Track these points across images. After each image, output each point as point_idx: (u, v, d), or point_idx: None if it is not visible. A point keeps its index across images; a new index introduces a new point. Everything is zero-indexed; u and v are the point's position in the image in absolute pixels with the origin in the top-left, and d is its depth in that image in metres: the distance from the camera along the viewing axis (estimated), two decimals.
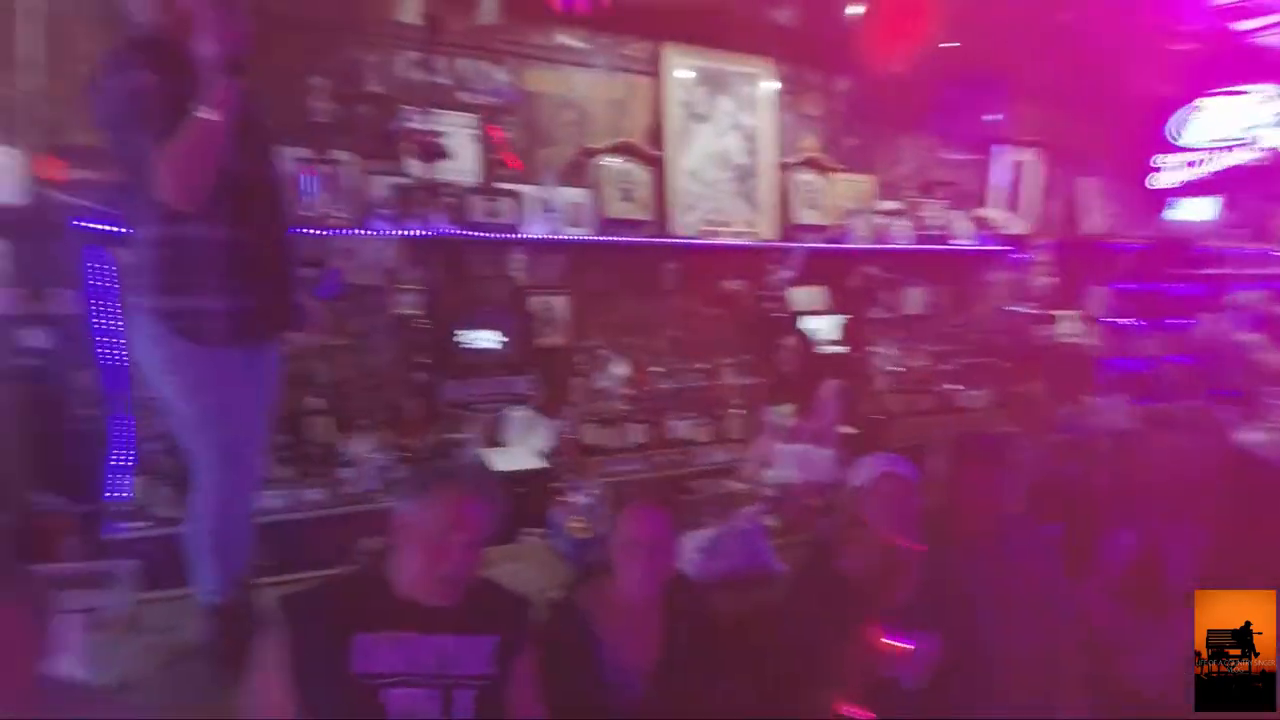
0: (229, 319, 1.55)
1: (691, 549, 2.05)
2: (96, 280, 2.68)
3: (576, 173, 3.50)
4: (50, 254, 2.68)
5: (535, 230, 3.28)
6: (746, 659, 1.69)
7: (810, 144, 4.05)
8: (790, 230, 3.94)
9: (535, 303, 3.42)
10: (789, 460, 2.66)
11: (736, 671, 1.61)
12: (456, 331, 3.23)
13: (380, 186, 3.04)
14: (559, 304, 3.46)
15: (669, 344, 3.78)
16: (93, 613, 1.73)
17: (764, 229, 3.86)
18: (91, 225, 2.62)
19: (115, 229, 2.61)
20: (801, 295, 3.98)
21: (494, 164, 3.30)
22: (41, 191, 2.64)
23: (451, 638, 1.33)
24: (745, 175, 3.81)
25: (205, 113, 1.41)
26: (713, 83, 3.73)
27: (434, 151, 2.85)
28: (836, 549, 1.76)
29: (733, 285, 3.88)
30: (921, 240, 4.20)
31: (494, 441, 3.28)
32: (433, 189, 3.07)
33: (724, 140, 3.76)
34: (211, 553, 1.65)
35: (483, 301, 3.31)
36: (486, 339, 3.28)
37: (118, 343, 2.75)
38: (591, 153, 3.51)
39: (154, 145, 1.40)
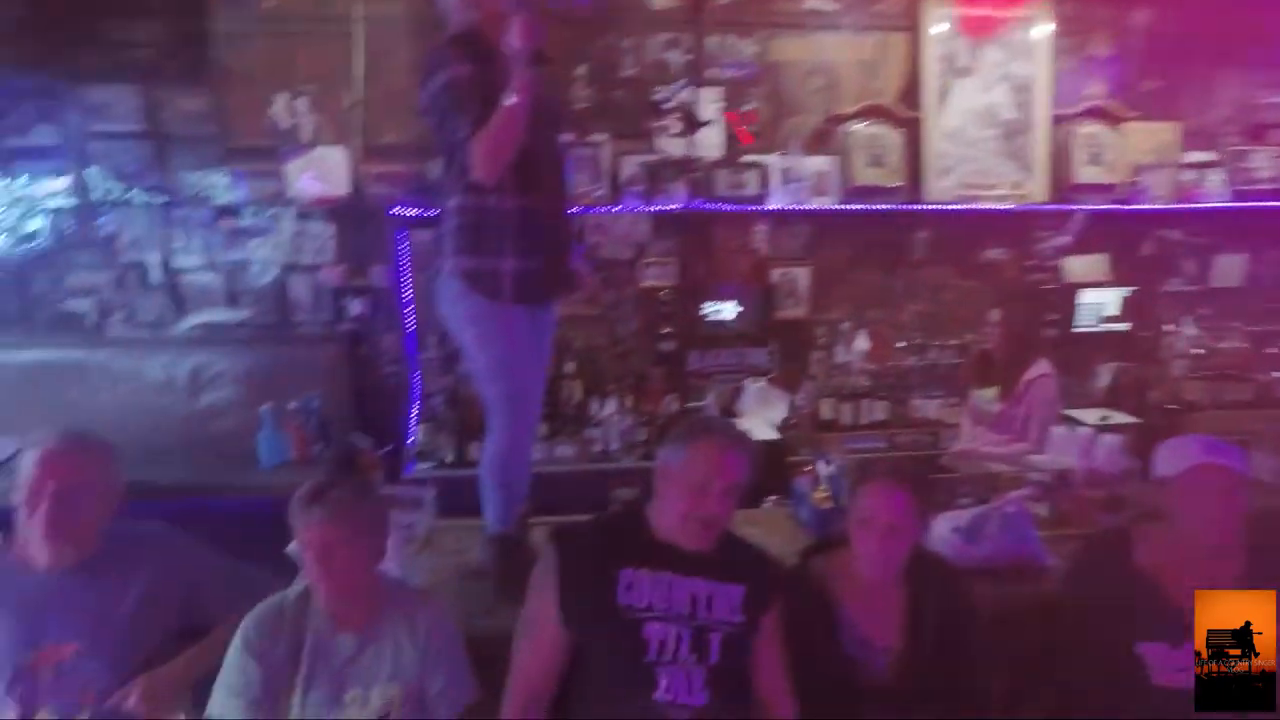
0: (519, 279, 1.75)
1: (947, 530, 1.92)
2: (402, 258, 3.14)
3: (822, 141, 3.39)
4: (368, 236, 3.19)
5: (779, 201, 3.25)
6: (1008, 652, 1.56)
7: (1096, 91, 3.52)
8: (1067, 191, 3.47)
9: (777, 275, 3.39)
10: (1065, 445, 2.38)
11: (995, 664, 1.50)
12: (700, 303, 3.31)
13: (631, 165, 3.20)
14: (801, 275, 3.40)
15: (917, 318, 3.55)
16: (406, 529, 2.06)
17: (1034, 191, 3.44)
18: (401, 211, 3.07)
19: (419, 214, 3.04)
20: (1078, 264, 3.51)
21: (737, 137, 3.31)
22: (362, 184, 3.14)
23: (704, 582, 1.38)
24: (1014, 132, 3.42)
25: (512, 99, 1.58)
26: (977, 32, 3.39)
27: (694, 123, 2.87)
28: (1132, 545, 1.55)
29: (993, 254, 3.53)
30: (1241, 197, 3.48)
31: (730, 411, 3.33)
32: (680, 165, 3.16)
33: (990, 95, 3.40)
34: (498, 488, 1.88)
35: (726, 274, 3.35)
36: (728, 311, 3.32)
37: (413, 310, 3.21)
38: (839, 119, 3.38)
39: (468, 128, 1.60)
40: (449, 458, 3.11)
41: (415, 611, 1.44)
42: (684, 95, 3.17)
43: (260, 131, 3.09)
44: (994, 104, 3.41)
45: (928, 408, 3.34)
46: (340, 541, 1.30)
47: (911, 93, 3.40)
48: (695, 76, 3.22)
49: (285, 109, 3.08)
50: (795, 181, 3.25)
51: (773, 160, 3.26)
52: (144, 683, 1.41)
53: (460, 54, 1.64)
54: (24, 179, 3.14)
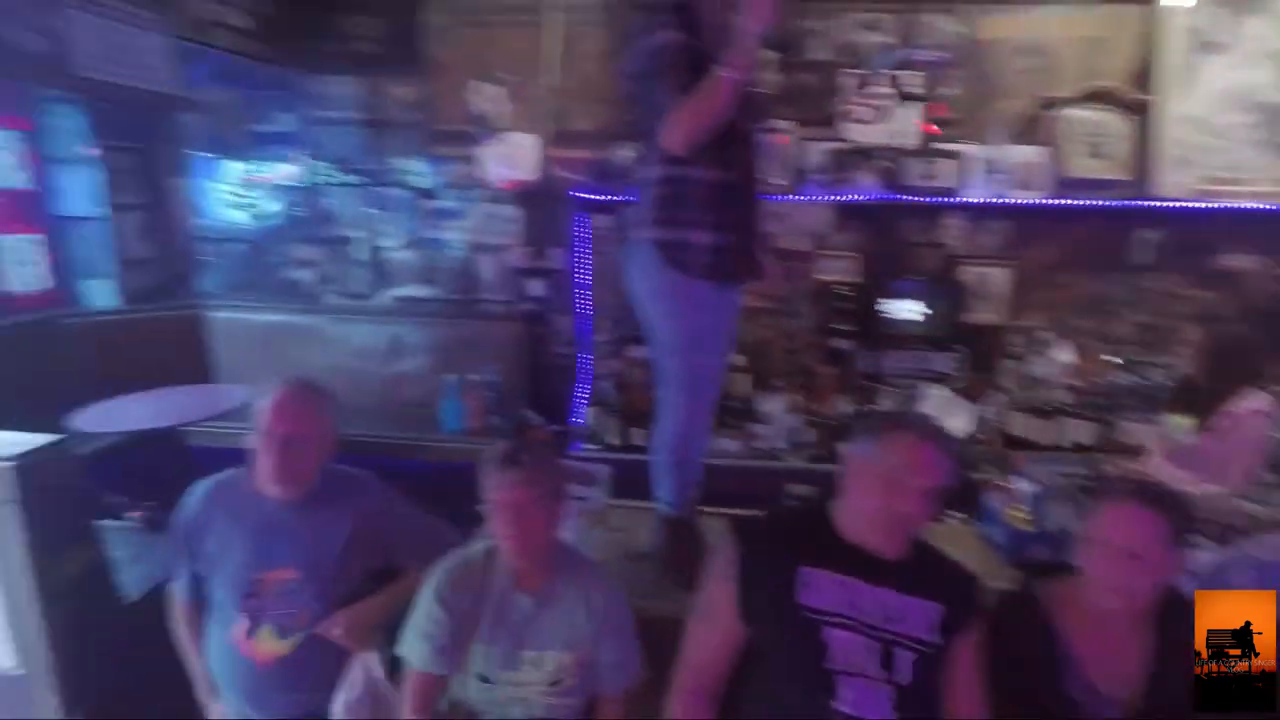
0: (710, 254, 1.71)
1: (1184, 570, 1.66)
2: (582, 241, 3.22)
3: (1032, 128, 3.07)
4: (552, 219, 3.31)
5: (976, 194, 2.98)
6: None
7: None
8: None
9: (969, 274, 3.12)
10: None
11: None
12: (880, 300, 3.13)
13: (815, 152, 3.07)
14: (997, 276, 3.11)
15: (1134, 331, 3.13)
16: (581, 502, 2.11)
17: None
18: (584, 195, 3.16)
19: (601, 198, 3.11)
20: None
21: (933, 124, 3.07)
22: (549, 169, 3.27)
23: (895, 593, 1.28)
24: (1277, 118, 2.91)
25: (727, 72, 1.55)
26: (1235, 2, 2.92)
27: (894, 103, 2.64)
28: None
29: (1238, 260, 3.03)
30: None
31: None
32: (867, 152, 3.00)
33: (1248, 74, 2.92)
34: (672, 469, 1.87)
35: (911, 270, 3.14)
36: (911, 310, 3.11)
37: (589, 293, 3.29)
38: (1052, 103, 3.05)
39: (673, 94, 1.58)
40: (614, 441, 3.17)
41: (590, 582, 1.45)
42: (880, 77, 2.99)
43: (461, 118, 3.30)
44: (1253, 85, 2.92)
45: (1142, 434, 2.94)
46: (530, 502, 1.34)
47: (1144, 73, 3.00)
48: (891, 57, 3.02)
49: (483, 96, 3.26)
50: (998, 172, 2.97)
51: (973, 149, 3.00)
52: (346, 615, 1.53)
53: (674, 20, 1.63)
54: (263, 163, 3.57)
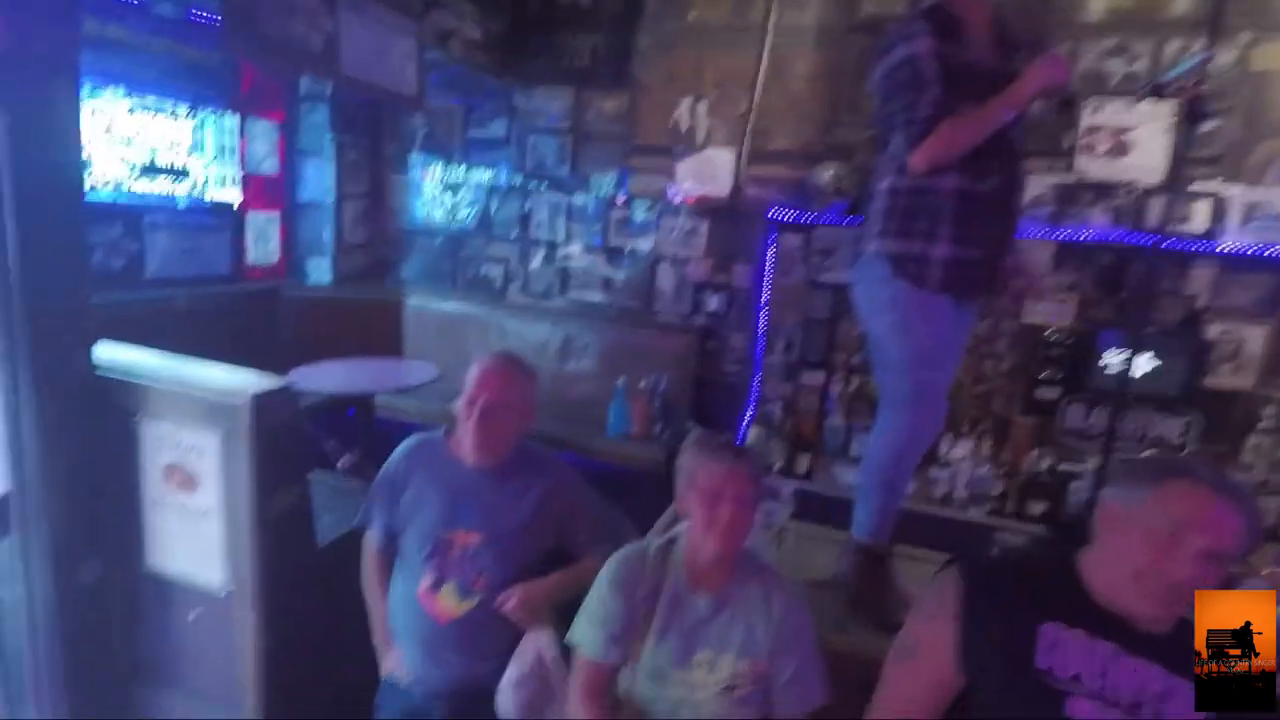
0: (950, 267, 1.60)
1: None
2: (766, 259, 3.16)
3: None
4: (738, 236, 3.28)
5: (1236, 241, 2.60)
6: None
7: None
8: None
9: (1215, 330, 2.72)
10: None
11: None
12: (1099, 350, 2.79)
13: (1038, 185, 2.82)
14: (1252, 336, 2.68)
15: None
16: (764, 516, 2.02)
17: None
18: (775, 214, 3.10)
19: (793, 218, 3.04)
20: None
21: (1187, 161, 2.72)
22: (742, 186, 3.24)
23: (1160, 670, 1.06)
24: None
25: (1000, 109, 1.51)
26: None
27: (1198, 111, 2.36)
28: None
29: None
30: None
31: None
32: (1103, 188, 2.71)
33: None
34: (878, 490, 1.74)
35: (1141, 320, 2.78)
36: (1137, 364, 2.75)
37: (767, 313, 3.21)
38: None
39: (925, 107, 1.51)
40: (776, 464, 3.05)
41: (772, 590, 1.36)
42: (1128, 107, 2.70)
43: (661, 133, 3.36)
44: None
45: None
46: (743, 498, 1.28)
47: None
48: (1145, 85, 2.72)
49: (687, 112, 3.31)
50: (1265, 218, 2.58)
51: (1234, 190, 2.63)
52: (521, 589, 1.53)
53: (929, 29, 1.56)
54: (474, 166, 3.83)
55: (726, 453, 1.32)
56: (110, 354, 1.78)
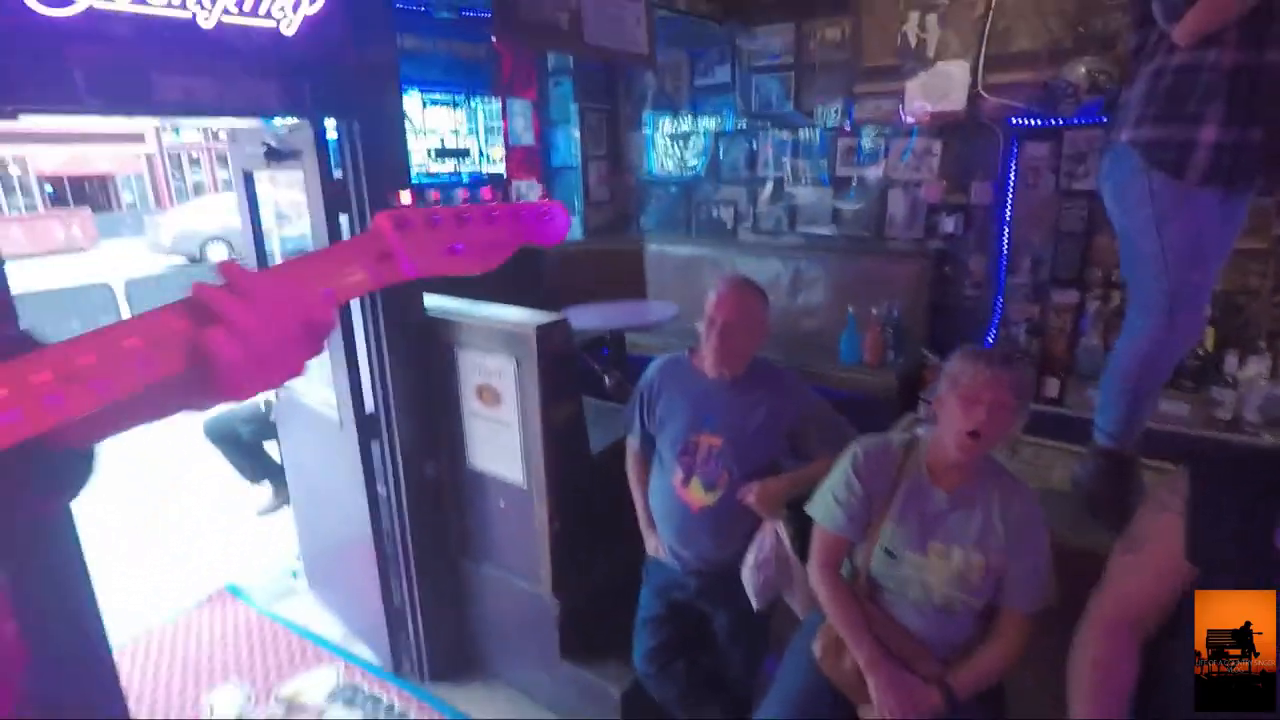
0: (1218, 154, 1.46)
1: None
2: (1009, 173, 2.98)
3: None
4: (975, 152, 3.12)
5: None
6: None
7: None
8: None
9: None
10: None
11: None
12: None
13: None
14: None
15: None
16: None
17: None
18: (1020, 123, 2.90)
19: (1037, 124, 2.83)
20: None
21: None
22: (977, 98, 3.06)
23: None
24: None
25: None
26: None
27: None
28: None
29: None
30: None
31: None
32: None
33: None
34: (1124, 396, 1.68)
35: None
36: None
37: (1010, 230, 3.03)
38: None
39: None
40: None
41: (1010, 493, 1.43)
42: None
43: (890, 52, 3.27)
44: None
45: None
46: (1002, 404, 1.35)
47: None
48: None
49: (915, 26, 3.18)
50: None
51: None
52: (760, 485, 1.75)
53: None
54: (702, 114, 4.02)
55: (995, 359, 1.38)
56: (432, 301, 2.31)
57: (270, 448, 3.41)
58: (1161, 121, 1.49)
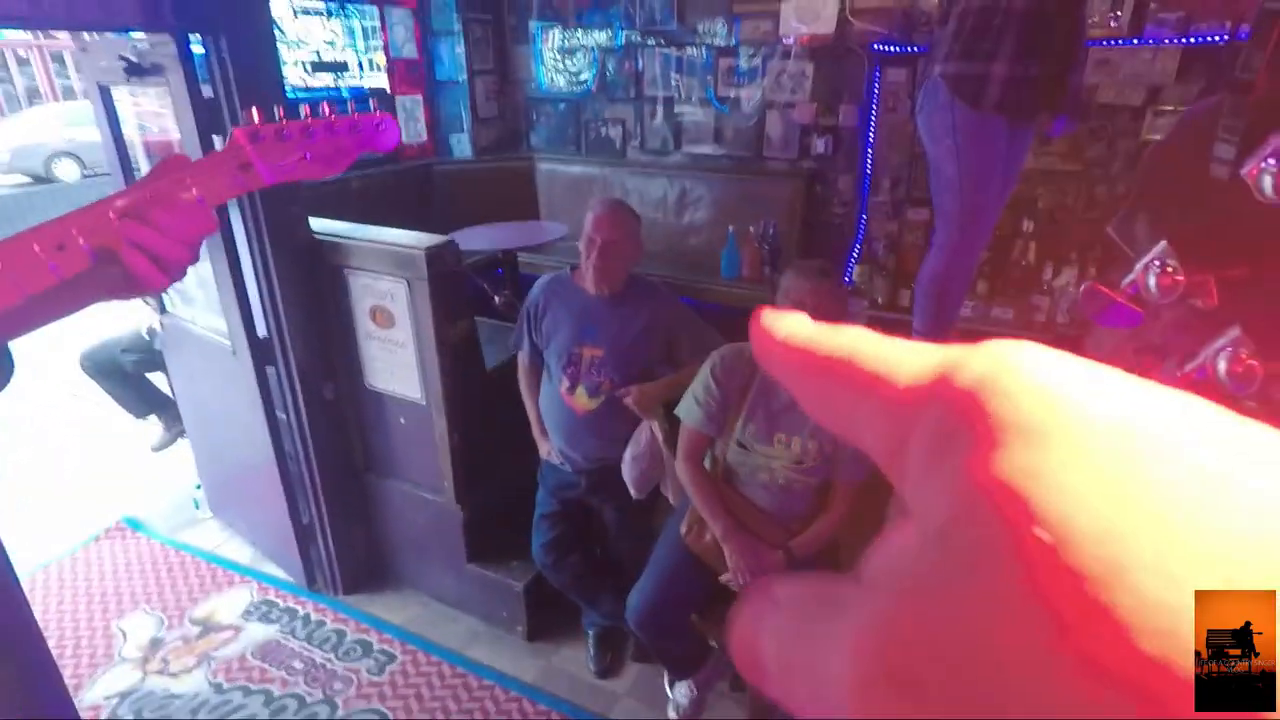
0: (1006, 86, 1.71)
1: None
2: (872, 97, 3.20)
3: None
4: (844, 74, 3.31)
5: None
6: None
7: None
8: None
9: None
10: None
11: None
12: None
13: None
14: None
15: None
16: None
17: None
18: (882, 49, 3.10)
19: (896, 50, 3.03)
20: None
21: None
22: (846, 23, 3.23)
23: None
24: None
25: None
26: None
27: None
28: None
29: None
30: None
31: None
32: None
33: None
34: (929, 297, 1.98)
35: None
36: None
37: (873, 152, 3.28)
38: None
39: None
40: (880, 299, 3.25)
41: None
42: None
43: None
44: None
45: None
46: (824, 309, 1.57)
47: None
48: None
49: None
50: None
51: None
52: (638, 388, 1.96)
53: None
54: (587, 31, 4.00)
55: (814, 272, 1.61)
56: (319, 225, 2.32)
57: (155, 379, 3.33)
58: (965, 57, 1.73)
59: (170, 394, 3.15)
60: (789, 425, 1.69)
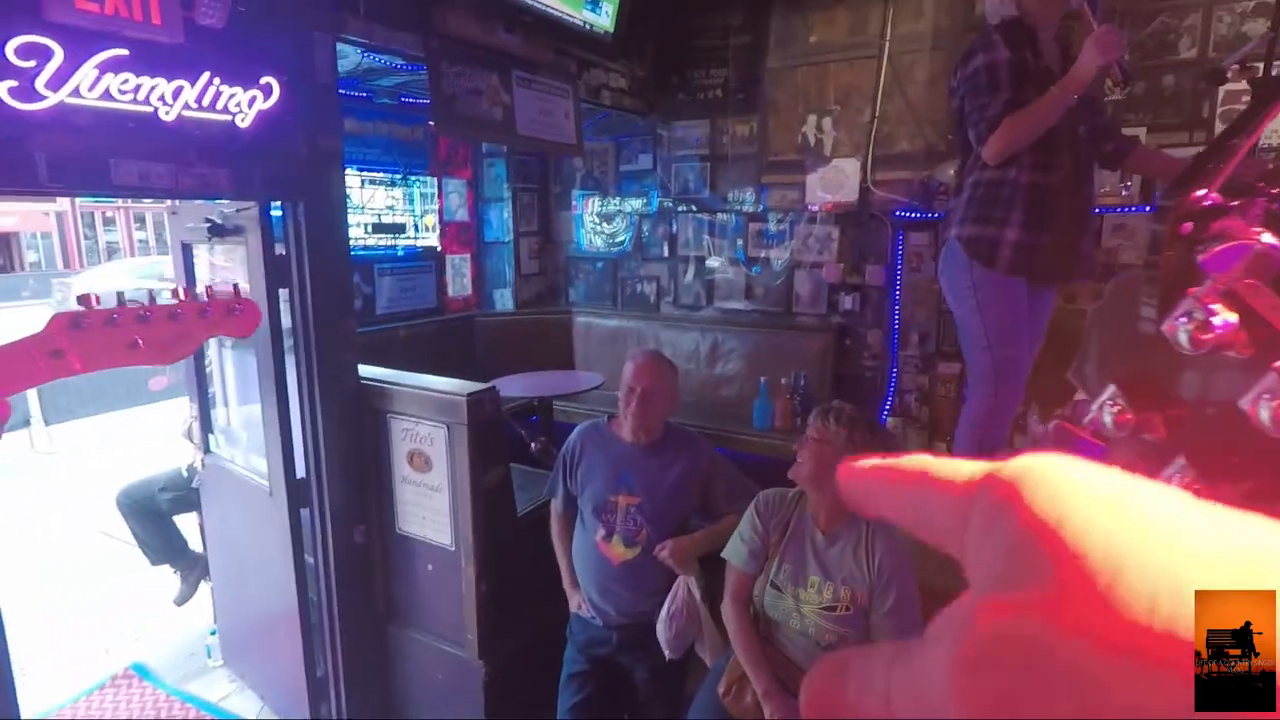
0: (1018, 251, 1.80)
1: None
2: (897, 258, 3.35)
3: None
4: (867, 237, 3.49)
5: None
6: None
7: None
8: None
9: None
10: None
11: None
12: None
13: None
14: None
15: None
16: None
17: None
18: (902, 214, 3.29)
19: (917, 216, 3.22)
20: None
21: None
22: (868, 191, 3.46)
23: None
24: None
25: (1062, 93, 1.68)
26: None
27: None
28: None
29: None
30: None
31: None
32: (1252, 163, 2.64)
33: None
34: (968, 450, 1.95)
35: None
36: None
37: (900, 309, 3.38)
38: None
39: (998, 107, 1.73)
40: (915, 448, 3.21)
41: (875, 533, 1.64)
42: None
43: (792, 148, 3.65)
44: None
45: None
46: (834, 450, 1.58)
47: None
48: None
49: (813, 127, 3.58)
50: None
51: None
52: (674, 542, 1.92)
53: (1004, 39, 1.78)
54: (627, 196, 4.33)
55: (831, 415, 1.65)
56: (366, 370, 2.42)
57: (187, 521, 3.32)
58: (978, 222, 1.84)
59: (198, 540, 3.14)
60: (822, 568, 1.64)
